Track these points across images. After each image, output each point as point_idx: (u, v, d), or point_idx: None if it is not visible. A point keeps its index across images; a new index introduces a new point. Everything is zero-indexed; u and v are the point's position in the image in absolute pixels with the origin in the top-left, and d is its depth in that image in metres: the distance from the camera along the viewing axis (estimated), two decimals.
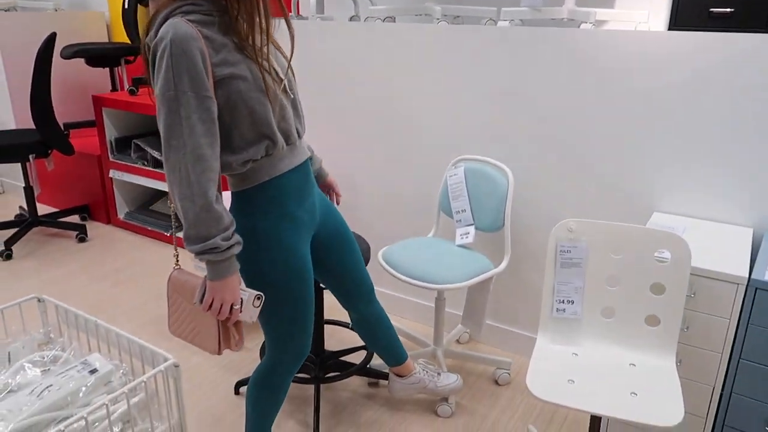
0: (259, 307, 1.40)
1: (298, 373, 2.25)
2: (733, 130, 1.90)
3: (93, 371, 0.97)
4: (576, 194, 2.24)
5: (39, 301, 1.24)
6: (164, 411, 0.98)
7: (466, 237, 2.24)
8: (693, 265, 1.67)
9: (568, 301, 1.75)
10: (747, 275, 1.61)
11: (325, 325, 2.50)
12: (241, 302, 1.36)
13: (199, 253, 1.28)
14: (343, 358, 2.34)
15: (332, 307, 2.86)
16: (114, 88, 4.29)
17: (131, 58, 4.07)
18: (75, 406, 0.92)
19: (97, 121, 3.67)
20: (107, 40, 4.69)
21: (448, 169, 2.33)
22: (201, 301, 1.36)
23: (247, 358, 2.49)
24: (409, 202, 2.65)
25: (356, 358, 2.45)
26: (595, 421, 1.61)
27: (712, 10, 1.89)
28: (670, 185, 2.05)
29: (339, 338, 2.63)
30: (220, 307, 1.35)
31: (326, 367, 2.23)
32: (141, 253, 3.50)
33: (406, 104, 2.54)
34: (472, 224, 2.26)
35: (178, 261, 1.58)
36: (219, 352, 1.41)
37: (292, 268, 1.50)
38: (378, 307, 1.92)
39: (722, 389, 1.71)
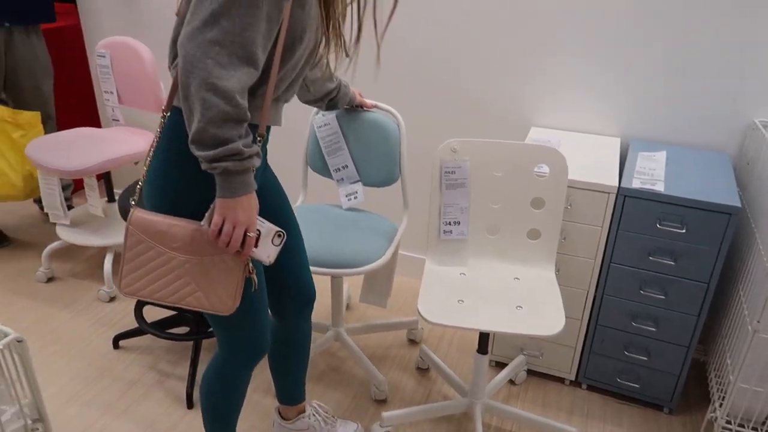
0: (279, 247, 1.18)
1: (175, 327, 2.11)
2: (600, 45, 1.94)
3: None
4: (458, 115, 2.22)
5: None
6: (13, 391, 0.85)
7: (354, 197, 1.90)
8: (569, 177, 1.72)
9: (455, 222, 1.75)
10: (617, 184, 1.69)
11: None
12: (258, 236, 1.14)
13: (214, 160, 1.02)
14: None
15: None
16: None
17: None
18: None
19: None
20: None
21: (313, 118, 1.88)
22: (209, 225, 1.11)
23: (122, 309, 2.31)
24: (276, 162, 2.51)
25: None
26: (484, 336, 1.66)
27: None
28: (544, 100, 2.08)
29: None
30: (232, 232, 1.09)
31: (206, 323, 2.10)
32: None
33: None
34: (358, 181, 1.90)
35: (138, 194, 1.21)
36: (234, 307, 1.17)
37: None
38: (307, 325, 1.58)
39: (595, 292, 1.83)
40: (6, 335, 0.81)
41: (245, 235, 1.10)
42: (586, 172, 1.76)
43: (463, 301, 1.57)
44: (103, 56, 2.42)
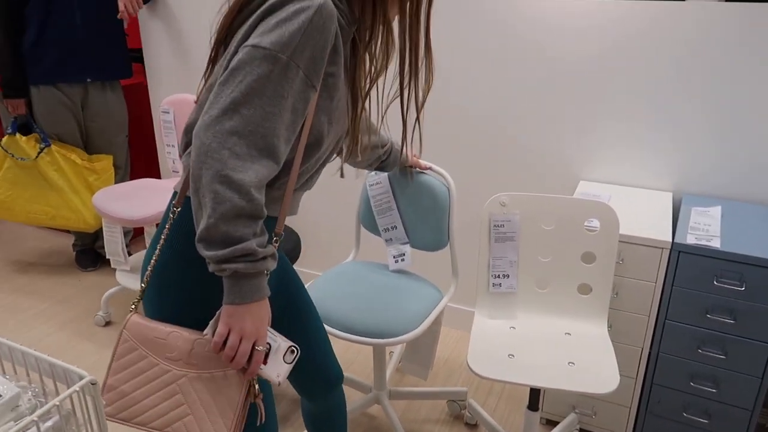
0: (291, 364, 1.02)
1: None
2: (649, 98, 1.95)
3: None
4: (505, 170, 2.25)
5: None
6: None
7: (402, 260, 1.86)
8: (620, 232, 1.71)
9: (504, 276, 1.75)
10: (670, 239, 1.67)
11: None
12: (268, 351, 1.00)
13: (223, 261, 0.91)
14: None
15: None
16: None
17: None
18: None
19: None
20: None
21: (368, 176, 1.88)
22: (213, 334, 0.98)
23: None
24: (326, 217, 2.58)
25: None
26: (535, 392, 1.63)
27: None
28: (594, 154, 2.09)
29: None
30: (238, 345, 0.96)
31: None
32: (45, 247, 3.25)
33: None
34: (406, 242, 1.86)
35: (140, 299, 1.11)
36: None
37: None
38: (337, 398, 1.47)
39: (650, 350, 1.78)
40: (81, 377, 0.86)
41: (253, 348, 0.97)
42: (637, 227, 1.74)
43: (513, 355, 1.56)
44: (167, 112, 2.57)
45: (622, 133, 2.03)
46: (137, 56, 3.15)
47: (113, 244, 2.49)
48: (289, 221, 2.72)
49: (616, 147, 2.05)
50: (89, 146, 2.87)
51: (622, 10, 1.90)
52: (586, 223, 1.68)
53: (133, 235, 3.24)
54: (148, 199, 2.42)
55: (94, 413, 0.88)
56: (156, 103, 2.97)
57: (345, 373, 2.16)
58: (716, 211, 1.85)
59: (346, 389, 2.18)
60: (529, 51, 2.07)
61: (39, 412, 0.82)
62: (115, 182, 2.91)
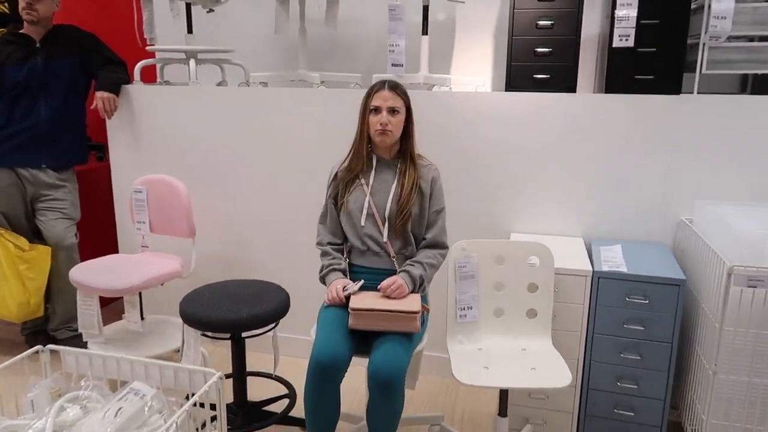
0: (348, 291, 2.01)
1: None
2: (561, 165, 2.51)
3: (143, 396, 1.08)
4: (456, 226, 2.70)
5: (41, 352, 1.27)
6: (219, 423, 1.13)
7: None
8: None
9: (468, 308, 2.15)
10: (591, 269, 2.16)
11: (248, 377, 2.54)
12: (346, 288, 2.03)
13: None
14: (265, 408, 2.45)
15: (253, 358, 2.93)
16: None
17: None
18: (135, 425, 1.03)
19: None
20: None
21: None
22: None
23: None
24: (302, 269, 2.90)
25: (278, 407, 2.55)
26: (504, 399, 2.00)
27: (534, 76, 2.51)
28: (521, 212, 2.60)
29: (261, 388, 2.71)
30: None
31: (248, 416, 2.31)
32: None
33: (287, 162, 2.82)
34: None
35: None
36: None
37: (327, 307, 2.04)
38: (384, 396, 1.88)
39: (584, 359, 2.23)
40: (212, 374, 1.11)
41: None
42: (564, 262, 2.23)
43: (488, 367, 1.93)
44: (140, 191, 2.79)
45: (541, 196, 2.56)
46: (92, 144, 3.35)
47: (89, 317, 2.59)
48: (281, 280, 2.95)
49: (537, 206, 2.58)
50: (38, 226, 2.94)
51: (531, 100, 2.49)
52: (528, 260, 2.14)
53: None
54: (128, 271, 2.57)
55: (218, 405, 1.12)
56: (120, 184, 3.15)
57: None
58: (617, 248, 2.39)
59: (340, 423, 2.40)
60: (475, 137, 2.59)
61: (190, 402, 1.06)
62: (65, 262, 2.94)
